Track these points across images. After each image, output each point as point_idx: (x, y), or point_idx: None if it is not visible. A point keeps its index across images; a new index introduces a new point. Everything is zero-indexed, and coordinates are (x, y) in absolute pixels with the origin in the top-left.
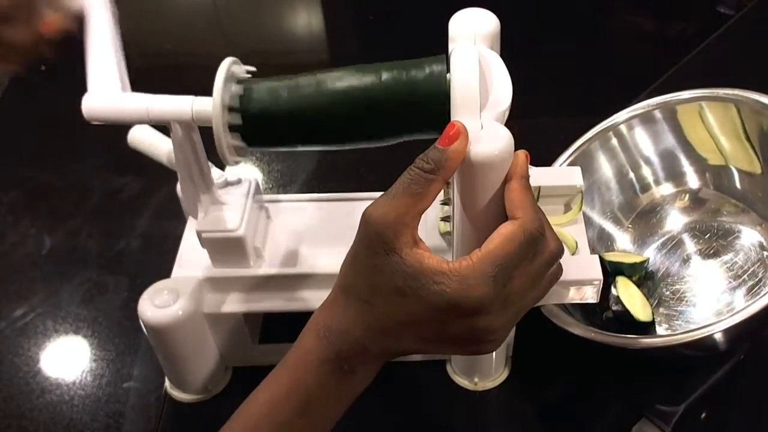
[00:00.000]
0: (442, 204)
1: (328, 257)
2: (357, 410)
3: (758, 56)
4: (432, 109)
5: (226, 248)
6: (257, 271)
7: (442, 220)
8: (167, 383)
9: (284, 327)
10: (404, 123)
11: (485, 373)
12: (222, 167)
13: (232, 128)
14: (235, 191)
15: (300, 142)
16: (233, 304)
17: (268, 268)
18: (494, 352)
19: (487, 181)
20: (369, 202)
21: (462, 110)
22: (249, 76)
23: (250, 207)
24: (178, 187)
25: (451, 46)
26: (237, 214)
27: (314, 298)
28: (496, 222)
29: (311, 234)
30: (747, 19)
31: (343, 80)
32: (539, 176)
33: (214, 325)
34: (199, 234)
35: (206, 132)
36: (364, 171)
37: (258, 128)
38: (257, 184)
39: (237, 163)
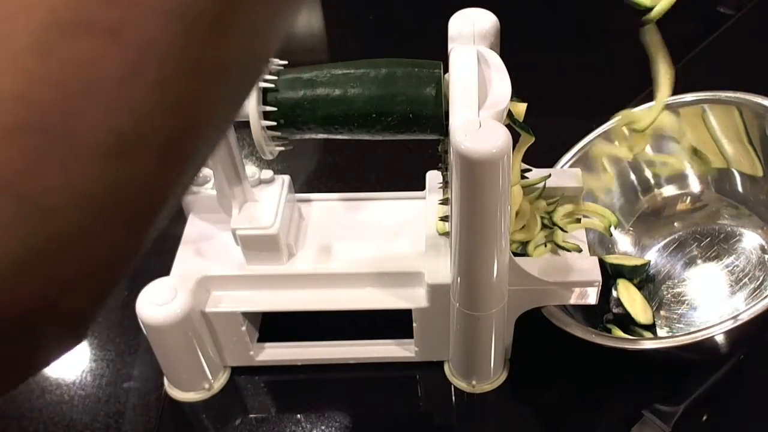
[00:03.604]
0: (441, 203)
1: (357, 256)
2: (355, 412)
3: (758, 56)
4: (429, 125)
5: (260, 245)
6: (287, 269)
7: (441, 220)
8: (166, 383)
9: (283, 327)
10: (406, 132)
11: (483, 375)
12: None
13: (268, 119)
14: (268, 189)
15: (326, 132)
16: (234, 303)
17: (300, 266)
18: (492, 355)
19: (485, 179)
20: (400, 202)
21: (460, 109)
22: (281, 68)
23: (283, 205)
24: None
25: (450, 46)
26: (271, 212)
27: (344, 298)
28: (494, 221)
29: (342, 233)
30: (747, 19)
31: (351, 88)
32: (540, 177)
33: (212, 324)
34: (233, 231)
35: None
36: (365, 170)
37: (289, 119)
38: (290, 183)
39: (274, 155)
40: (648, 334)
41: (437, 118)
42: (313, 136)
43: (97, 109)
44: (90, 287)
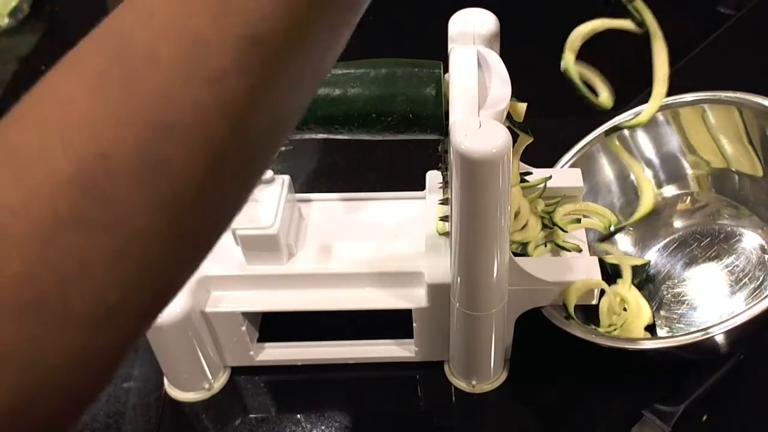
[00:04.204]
0: (441, 203)
1: (357, 256)
2: (355, 412)
3: (758, 56)
4: (429, 125)
5: (260, 245)
6: (286, 270)
7: (441, 220)
8: (166, 383)
9: (283, 327)
10: (406, 132)
11: (483, 375)
12: None
13: None
14: (268, 189)
15: (326, 132)
16: (234, 303)
17: (300, 266)
18: (492, 355)
19: (485, 179)
20: (400, 202)
21: (460, 109)
22: None
23: (283, 205)
24: None
25: (450, 46)
26: (271, 212)
27: (344, 298)
28: (494, 221)
29: (342, 233)
30: (747, 19)
31: (351, 88)
32: (541, 178)
33: (212, 324)
34: (233, 231)
35: None
36: (365, 170)
37: None
38: (290, 183)
39: None
40: (647, 334)
41: (437, 118)
42: (313, 136)
43: (88, 286)
44: (64, 421)
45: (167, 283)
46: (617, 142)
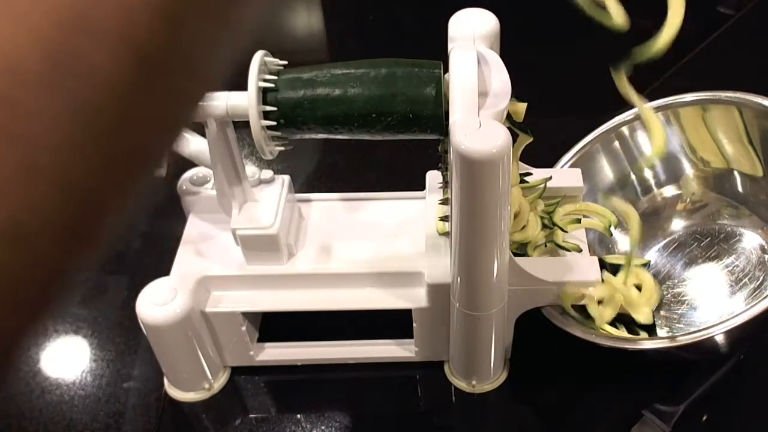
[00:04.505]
0: (441, 203)
1: (357, 256)
2: (355, 412)
3: (758, 56)
4: (429, 125)
5: (260, 245)
6: (285, 270)
7: (441, 220)
8: (166, 383)
9: (283, 327)
10: (406, 132)
11: (483, 375)
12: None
13: (268, 119)
14: (268, 189)
15: (326, 132)
16: (234, 303)
17: (300, 266)
18: (492, 355)
19: (484, 179)
20: (400, 202)
21: (460, 109)
22: (281, 68)
23: (283, 205)
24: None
25: (450, 46)
26: (271, 212)
27: (344, 298)
28: (494, 220)
29: (342, 233)
30: (747, 19)
31: (351, 88)
32: (541, 178)
33: (212, 324)
34: (233, 231)
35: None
36: (365, 170)
37: (289, 119)
38: (290, 183)
39: (274, 155)
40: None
41: (437, 118)
42: (313, 136)
43: None
44: None
45: (93, 206)
46: (626, 81)
